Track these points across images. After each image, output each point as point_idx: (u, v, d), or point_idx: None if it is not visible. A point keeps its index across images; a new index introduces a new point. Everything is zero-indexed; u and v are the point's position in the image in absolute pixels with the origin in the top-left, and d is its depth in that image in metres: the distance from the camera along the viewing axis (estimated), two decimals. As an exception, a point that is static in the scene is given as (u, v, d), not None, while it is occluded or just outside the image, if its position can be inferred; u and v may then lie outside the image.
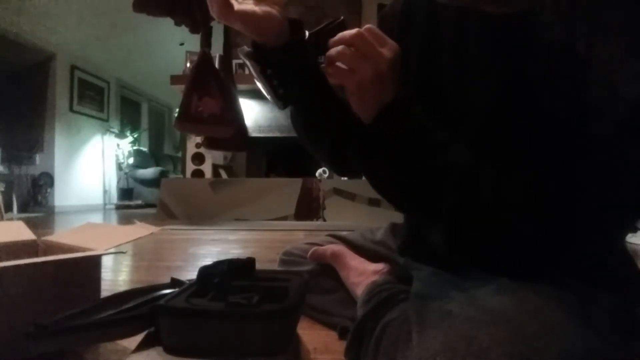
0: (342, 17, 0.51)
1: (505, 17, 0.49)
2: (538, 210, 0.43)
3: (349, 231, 0.88)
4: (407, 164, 0.47)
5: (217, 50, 2.67)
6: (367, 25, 0.47)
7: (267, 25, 0.48)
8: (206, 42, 2.50)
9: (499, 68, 0.49)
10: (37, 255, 0.77)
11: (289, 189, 3.42)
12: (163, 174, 5.67)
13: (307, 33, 0.52)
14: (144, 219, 3.62)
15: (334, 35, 0.47)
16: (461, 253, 0.52)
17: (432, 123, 0.48)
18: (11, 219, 3.13)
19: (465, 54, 0.53)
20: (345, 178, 3.66)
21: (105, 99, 5.79)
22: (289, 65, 0.51)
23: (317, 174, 3.58)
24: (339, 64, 0.47)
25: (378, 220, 0.84)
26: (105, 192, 5.74)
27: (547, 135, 0.44)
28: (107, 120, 5.81)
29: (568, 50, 0.43)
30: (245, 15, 0.47)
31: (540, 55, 0.45)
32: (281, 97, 0.53)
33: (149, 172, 5.84)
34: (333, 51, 0.46)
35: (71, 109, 5.10)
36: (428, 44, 0.57)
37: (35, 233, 0.82)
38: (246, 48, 0.52)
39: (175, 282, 0.56)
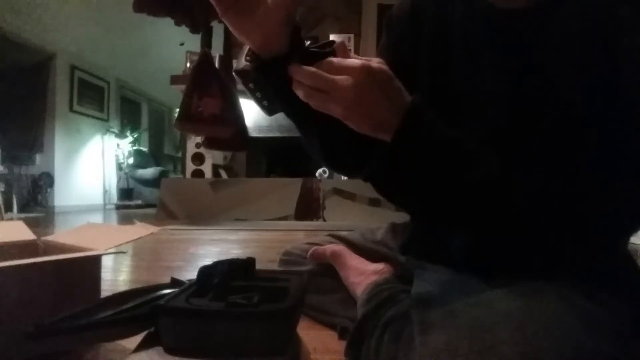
0: (334, 41, 0.49)
1: (514, 11, 0.49)
2: (561, 214, 0.43)
3: (349, 231, 0.88)
4: (435, 180, 0.45)
5: (217, 50, 2.68)
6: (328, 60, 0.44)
7: (256, 37, 0.47)
8: (206, 42, 2.50)
9: (511, 64, 0.49)
10: (37, 255, 0.77)
11: (289, 189, 3.42)
12: (163, 174, 5.67)
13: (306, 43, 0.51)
14: (144, 219, 3.62)
15: (325, 57, 0.46)
16: (481, 262, 0.52)
17: (454, 131, 0.46)
18: (11, 219, 3.13)
19: (476, 52, 0.52)
20: (345, 177, 3.66)
21: (105, 99, 5.79)
22: (270, 82, 0.50)
23: (317, 174, 3.58)
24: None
25: (378, 220, 0.84)
26: (105, 192, 5.74)
27: (562, 132, 0.44)
28: (107, 120, 5.81)
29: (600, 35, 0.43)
30: (234, 24, 0.45)
31: (560, 46, 0.45)
32: (266, 107, 0.53)
33: (149, 172, 5.83)
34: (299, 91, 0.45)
35: (71, 109, 5.10)
36: (437, 43, 0.57)
37: (35, 233, 0.82)
38: (243, 61, 0.51)
39: (175, 282, 0.56)
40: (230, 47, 2.74)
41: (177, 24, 2.41)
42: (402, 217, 0.72)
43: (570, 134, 0.44)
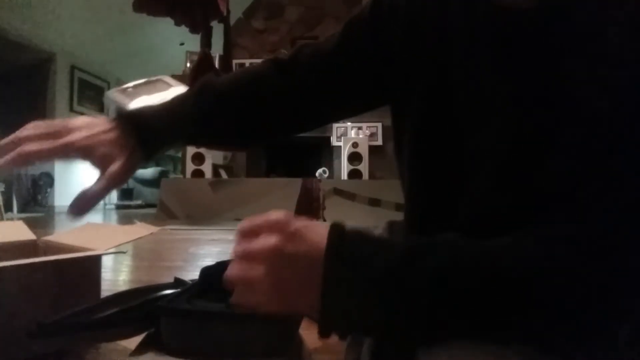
0: None
1: (520, 11, 0.42)
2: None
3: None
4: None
5: (217, 50, 2.68)
6: None
7: None
8: (206, 42, 2.50)
9: (518, 68, 0.42)
10: (37, 255, 0.77)
11: (289, 189, 3.42)
12: (163, 174, 5.67)
13: None
14: (144, 219, 3.63)
15: None
16: None
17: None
18: (11, 219, 3.13)
19: (478, 57, 0.46)
20: (345, 177, 3.65)
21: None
22: None
23: (317, 174, 3.58)
24: None
25: (378, 220, 0.84)
26: (105, 192, 5.74)
27: (586, 145, 0.36)
28: (107, 120, 5.81)
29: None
30: None
31: (572, 48, 0.38)
32: None
33: (149, 172, 5.84)
34: None
35: (71, 109, 5.11)
36: (437, 49, 0.49)
37: (35, 233, 0.82)
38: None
39: (178, 282, 0.56)
40: (230, 47, 2.74)
41: (177, 24, 2.41)
42: (402, 216, 0.72)
43: (595, 147, 0.35)
